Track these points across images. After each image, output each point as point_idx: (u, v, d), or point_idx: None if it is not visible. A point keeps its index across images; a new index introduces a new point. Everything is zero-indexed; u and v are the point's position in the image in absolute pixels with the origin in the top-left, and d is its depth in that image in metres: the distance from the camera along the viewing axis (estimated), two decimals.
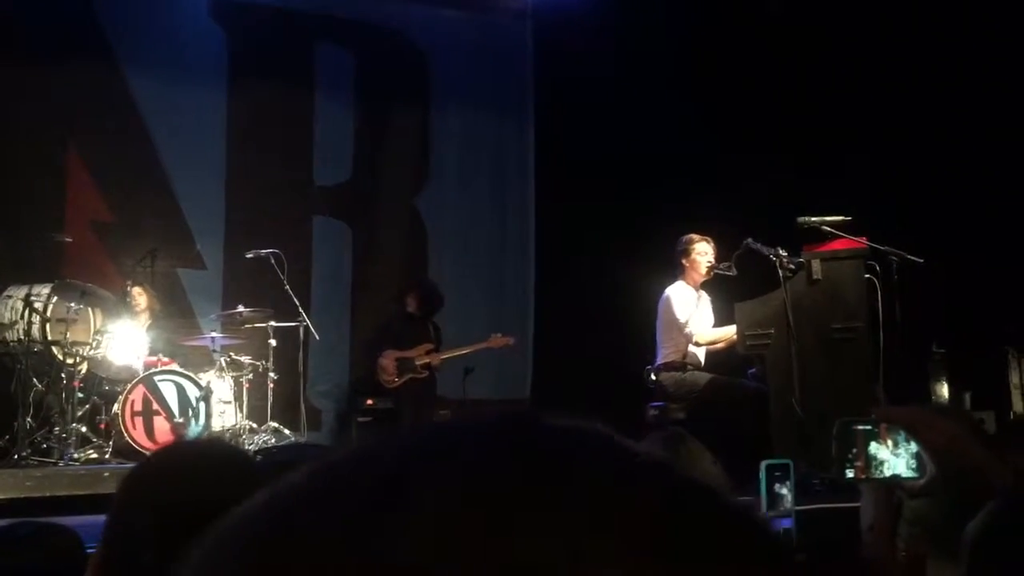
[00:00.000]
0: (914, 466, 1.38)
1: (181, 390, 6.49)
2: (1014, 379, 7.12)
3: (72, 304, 6.33)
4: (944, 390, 6.96)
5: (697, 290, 6.29)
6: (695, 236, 6.25)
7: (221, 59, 8.20)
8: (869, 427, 1.42)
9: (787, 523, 1.64)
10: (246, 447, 6.54)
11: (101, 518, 1.34)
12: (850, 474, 1.43)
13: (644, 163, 8.21)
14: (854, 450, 1.42)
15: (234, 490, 1.20)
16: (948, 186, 7.12)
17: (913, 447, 1.38)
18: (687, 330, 6.12)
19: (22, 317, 6.31)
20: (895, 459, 1.40)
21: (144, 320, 6.88)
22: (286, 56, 8.46)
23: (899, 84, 7.44)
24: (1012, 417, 6.86)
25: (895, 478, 1.40)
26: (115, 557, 1.19)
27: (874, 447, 1.42)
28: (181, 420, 6.40)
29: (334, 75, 8.67)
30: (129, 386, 6.35)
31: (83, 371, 6.46)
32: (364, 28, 8.81)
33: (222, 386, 6.76)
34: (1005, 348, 7.15)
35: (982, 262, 6.87)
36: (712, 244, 6.24)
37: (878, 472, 1.41)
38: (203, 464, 1.24)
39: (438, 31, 9.00)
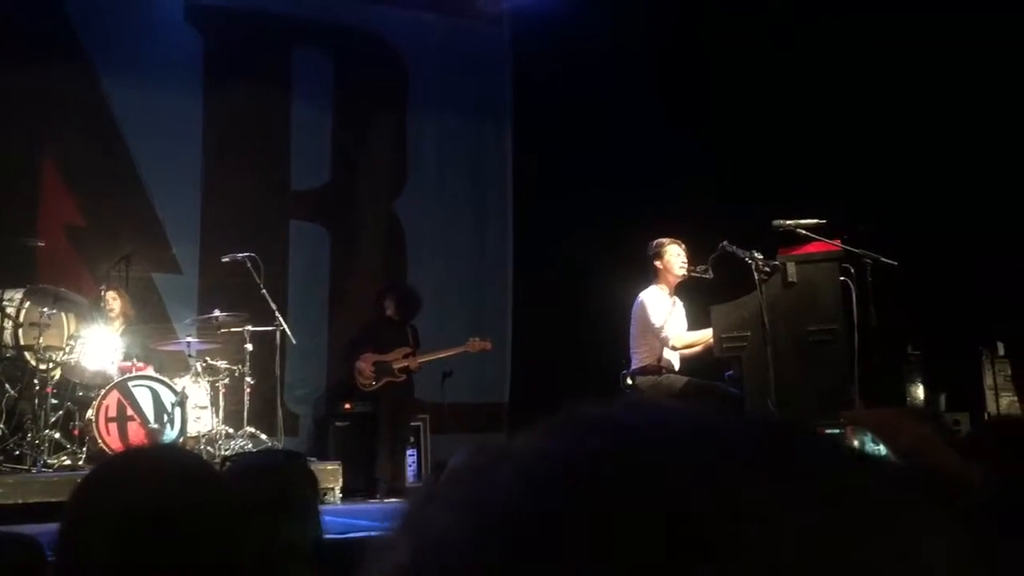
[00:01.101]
0: None
1: (156, 396, 6.44)
2: (988, 380, 7.17)
3: (45, 309, 6.28)
4: (919, 392, 7.01)
5: (671, 294, 6.30)
6: (665, 240, 6.26)
7: (196, 62, 8.16)
8: (837, 431, 1.42)
9: None
10: (222, 452, 6.52)
11: None
12: None
13: (621, 167, 8.23)
14: None
15: (191, 499, 1.19)
16: (923, 186, 7.17)
17: (881, 450, 1.39)
18: (663, 334, 6.13)
19: None
20: None
21: (118, 325, 6.83)
22: (262, 59, 8.43)
23: (873, 87, 7.49)
24: (987, 417, 6.90)
25: None
26: (68, 569, 1.17)
27: None
28: (156, 426, 6.36)
29: (311, 79, 8.65)
30: (103, 392, 6.29)
31: (56, 377, 6.40)
32: (341, 32, 8.79)
33: (198, 391, 6.71)
34: (979, 349, 7.21)
35: (956, 264, 6.92)
36: (683, 246, 6.26)
37: None
38: (157, 472, 1.22)
39: (416, 35, 9.00)
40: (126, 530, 1.12)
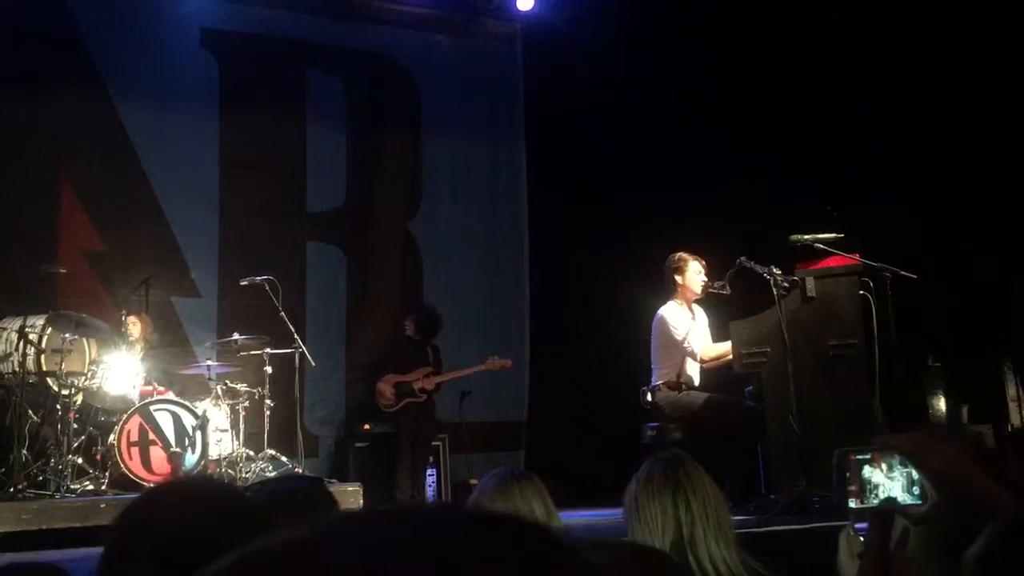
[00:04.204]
0: (917, 492, 1.38)
1: (177, 419, 6.47)
2: (1011, 391, 7.11)
3: (67, 335, 6.32)
4: (941, 404, 6.96)
5: (690, 308, 6.29)
6: (686, 255, 6.24)
7: (212, 87, 8.23)
8: (868, 455, 1.41)
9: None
10: (243, 475, 6.54)
11: (98, 551, 1.33)
12: (853, 503, 1.43)
13: (636, 183, 8.23)
14: (848, 474, 1.42)
15: (227, 527, 1.20)
16: (943, 197, 7.15)
17: (913, 474, 1.38)
18: (688, 348, 6.11)
19: (17, 349, 6.29)
20: (890, 483, 1.39)
21: (139, 349, 6.87)
22: (278, 83, 8.50)
23: (889, 100, 7.48)
24: (1010, 429, 6.85)
25: (889, 502, 1.39)
26: None
27: (868, 472, 1.41)
28: (178, 450, 6.38)
29: (325, 101, 8.70)
30: (125, 416, 6.32)
31: (78, 402, 6.43)
32: (354, 54, 8.86)
33: (218, 414, 6.74)
34: (1001, 360, 7.15)
35: (975, 275, 6.89)
36: (703, 263, 6.24)
37: (872, 498, 1.40)
38: (196, 502, 1.24)
39: (428, 56, 9.05)
40: (167, 562, 1.13)
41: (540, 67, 9.12)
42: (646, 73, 8.15)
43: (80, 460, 6.28)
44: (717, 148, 7.89)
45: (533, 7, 9.02)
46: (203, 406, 6.63)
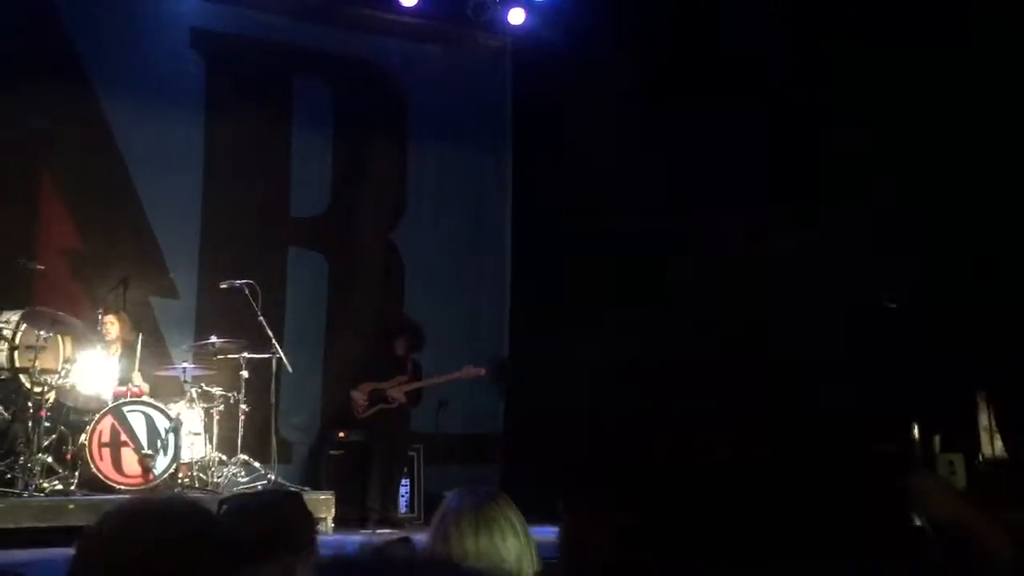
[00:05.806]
0: None
1: (150, 421, 6.40)
2: (983, 421, 7.16)
3: (41, 332, 6.25)
4: (914, 433, 7.00)
5: None
6: None
7: (199, 88, 8.17)
8: None
9: None
10: (215, 479, 6.48)
11: (65, 551, 1.32)
12: None
13: (621, 199, 8.25)
14: None
15: (193, 552, 1.19)
16: (918, 230, 7.20)
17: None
18: None
19: None
20: None
21: (115, 349, 6.80)
22: (265, 87, 8.45)
23: (875, 131, 7.53)
24: (981, 459, 6.90)
25: None
26: None
27: None
28: (149, 452, 6.31)
29: (312, 107, 8.67)
30: (97, 416, 6.26)
31: (51, 400, 6.36)
32: (343, 61, 8.83)
33: (192, 417, 6.68)
34: (973, 390, 7.21)
35: (951, 304, 6.94)
36: None
37: None
38: (161, 525, 1.23)
39: (416, 65, 9.04)
40: None
41: (529, 81, 9.12)
42: (634, 92, 8.18)
43: (50, 459, 6.21)
44: (704, 166, 7.92)
45: (524, 22, 9.03)
46: (177, 408, 6.58)
